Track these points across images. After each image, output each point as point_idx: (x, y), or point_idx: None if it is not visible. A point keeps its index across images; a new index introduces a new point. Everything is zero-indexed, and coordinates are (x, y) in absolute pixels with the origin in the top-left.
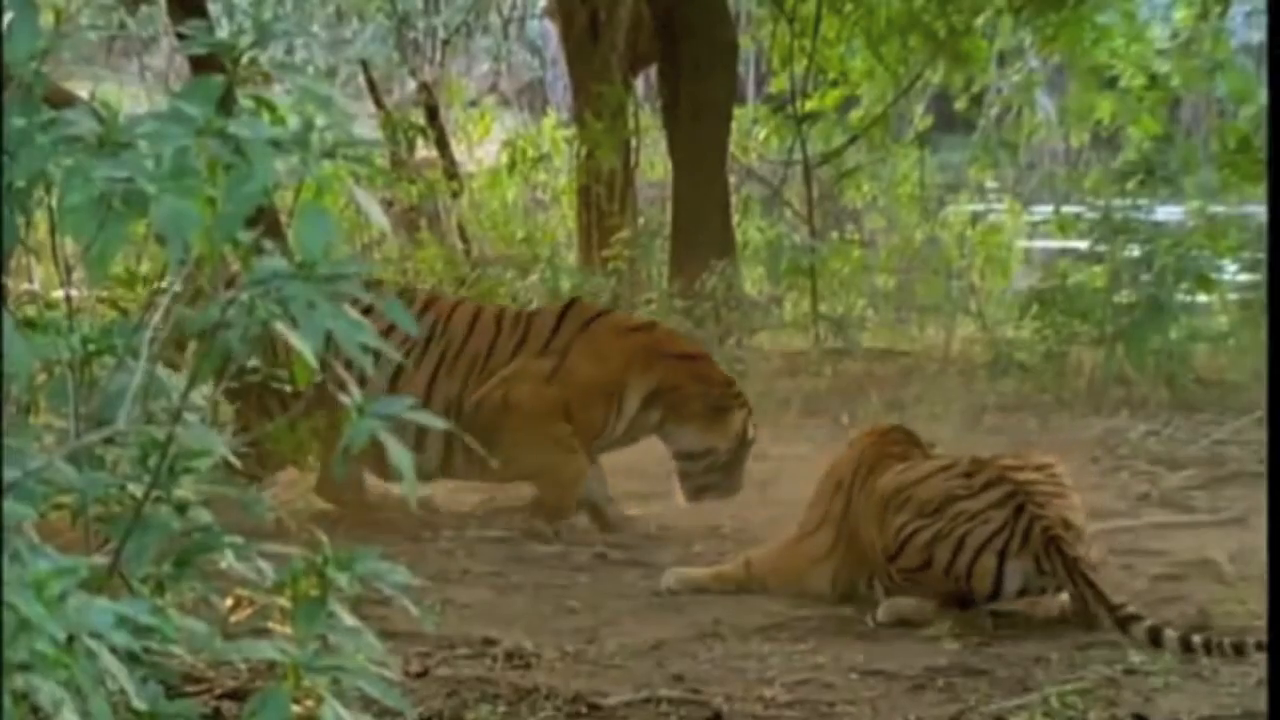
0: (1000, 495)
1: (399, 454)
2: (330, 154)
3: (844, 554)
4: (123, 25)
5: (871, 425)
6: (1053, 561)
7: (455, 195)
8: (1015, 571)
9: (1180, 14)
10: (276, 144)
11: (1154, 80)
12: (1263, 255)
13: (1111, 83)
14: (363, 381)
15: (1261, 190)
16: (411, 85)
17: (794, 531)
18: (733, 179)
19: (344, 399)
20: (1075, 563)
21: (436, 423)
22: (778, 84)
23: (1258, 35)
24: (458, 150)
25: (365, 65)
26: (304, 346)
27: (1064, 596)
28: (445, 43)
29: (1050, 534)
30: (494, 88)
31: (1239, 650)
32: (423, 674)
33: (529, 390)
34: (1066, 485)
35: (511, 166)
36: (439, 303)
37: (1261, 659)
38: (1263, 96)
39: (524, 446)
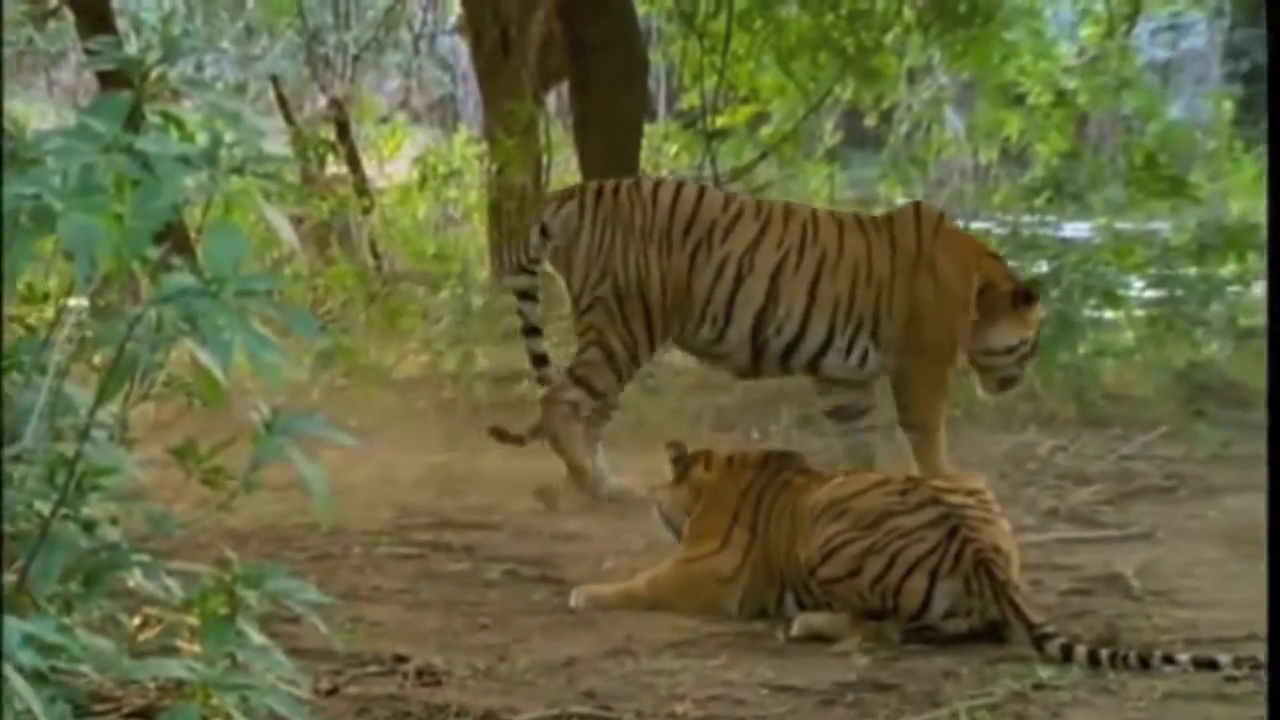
0: (935, 516)
1: (308, 471)
2: (239, 170)
3: (751, 576)
4: (30, 40)
5: (740, 453)
6: (981, 584)
7: (366, 211)
8: (945, 593)
9: (1087, 32)
10: (185, 160)
11: (1061, 97)
12: (1169, 272)
13: (1019, 99)
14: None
15: (1167, 206)
16: (322, 101)
17: (681, 551)
18: None
19: (253, 416)
20: (1003, 586)
21: (344, 438)
22: (688, 100)
23: (1162, 53)
24: (369, 166)
25: (275, 81)
26: (212, 363)
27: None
28: (356, 58)
29: (981, 557)
30: (405, 104)
31: (1145, 663)
32: (333, 692)
33: (935, 327)
34: (995, 511)
35: (423, 182)
36: (799, 211)
37: (1169, 672)
38: (1168, 113)
39: (925, 395)
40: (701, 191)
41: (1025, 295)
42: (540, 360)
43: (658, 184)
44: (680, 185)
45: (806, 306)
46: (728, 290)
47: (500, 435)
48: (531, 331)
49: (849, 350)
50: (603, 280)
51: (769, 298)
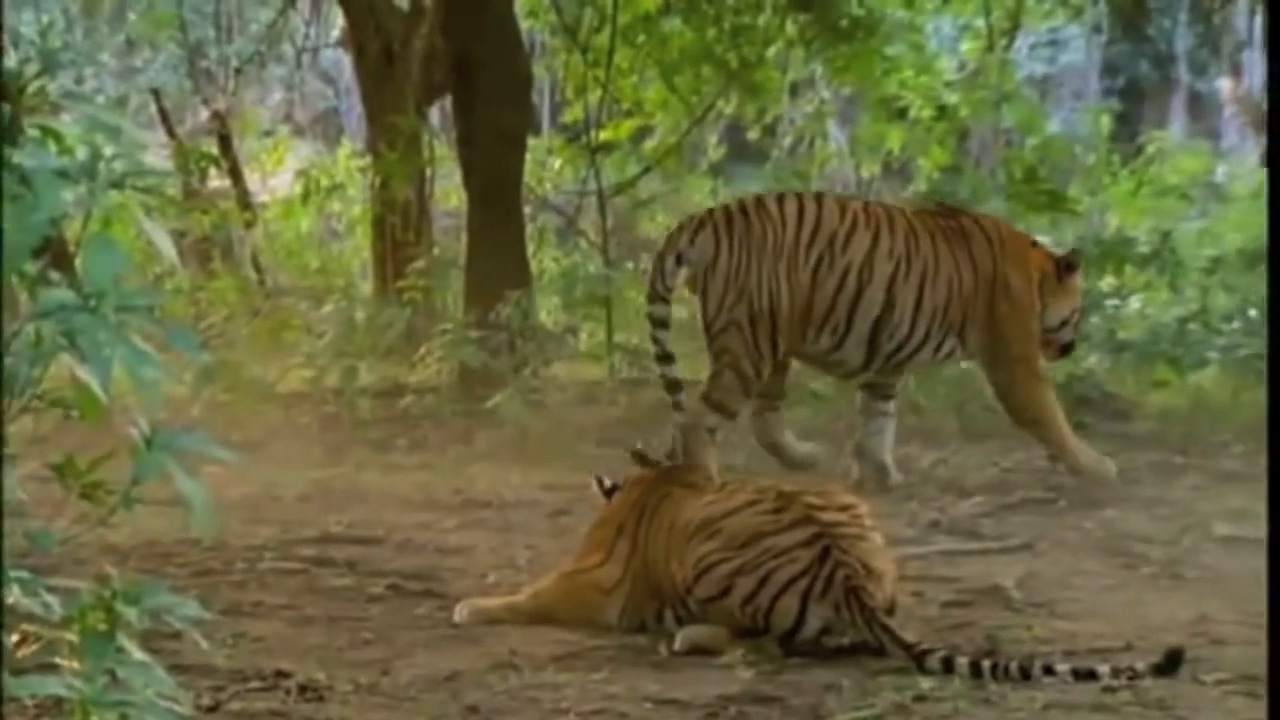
0: (807, 536)
1: (188, 486)
2: (119, 184)
3: (631, 589)
4: None
5: (649, 469)
6: (852, 611)
7: (249, 225)
8: (817, 614)
9: (967, 46)
10: (63, 174)
11: (942, 111)
12: None
13: (901, 113)
14: None
15: (1046, 220)
16: (204, 114)
17: (570, 565)
18: (528, 209)
19: (131, 431)
20: (873, 613)
21: (225, 453)
22: (572, 114)
23: (1041, 67)
24: (251, 180)
25: (157, 94)
26: (91, 379)
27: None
28: (238, 72)
29: (851, 583)
30: (288, 117)
31: (1025, 674)
32: (214, 708)
33: (1016, 328)
34: (868, 526)
35: (306, 196)
36: (898, 215)
37: (1048, 683)
38: (1048, 128)
39: (1028, 393)
40: (820, 202)
41: (1067, 265)
42: (674, 386)
43: (781, 200)
44: (801, 199)
45: (915, 311)
46: (849, 301)
47: (641, 459)
48: (666, 358)
49: (939, 348)
50: (739, 302)
51: (885, 306)
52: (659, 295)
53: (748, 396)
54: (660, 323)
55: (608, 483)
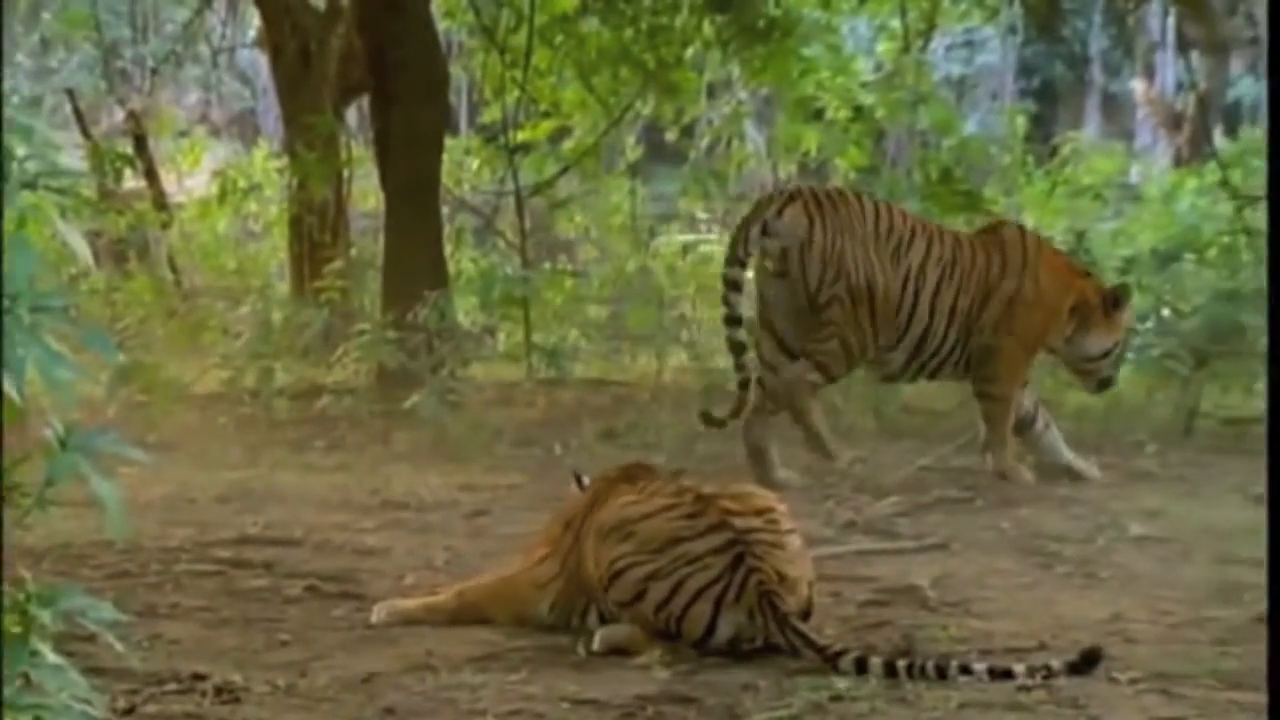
0: (722, 542)
1: (103, 488)
2: (32, 184)
3: (564, 584)
4: None
5: (614, 466)
6: (765, 617)
7: (165, 226)
8: (728, 622)
9: (884, 47)
10: None
11: (859, 112)
12: None
13: (818, 114)
14: None
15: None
16: (120, 115)
17: (515, 563)
18: (445, 210)
19: (46, 433)
20: (786, 618)
21: (139, 455)
22: (490, 114)
23: (958, 68)
24: (168, 180)
25: (72, 94)
26: (5, 381)
27: None
28: (154, 72)
29: (765, 589)
30: (204, 118)
31: (942, 673)
32: (129, 711)
33: (1025, 315)
34: (784, 530)
35: (222, 197)
36: (944, 233)
37: (964, 682)
38: (964, 128)
39: (1006, 372)
40: (889, 205)
41: (1114, 300)
42: (739, 348)
43: (859, 194)
44: (875, 199)
45: (948, 324)
46: (909, 306)
47: (707, 420)
48: (734, 321)
49: (956, 364)
50: (837, 280)
51: (931, 316)
52: (738, 260)
53: (849, 368)
54: (734, 285)
55: (586, 480)
